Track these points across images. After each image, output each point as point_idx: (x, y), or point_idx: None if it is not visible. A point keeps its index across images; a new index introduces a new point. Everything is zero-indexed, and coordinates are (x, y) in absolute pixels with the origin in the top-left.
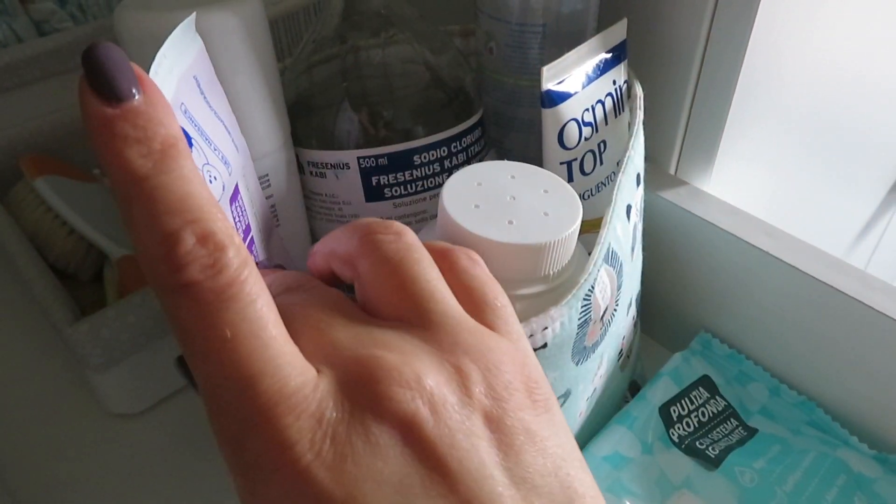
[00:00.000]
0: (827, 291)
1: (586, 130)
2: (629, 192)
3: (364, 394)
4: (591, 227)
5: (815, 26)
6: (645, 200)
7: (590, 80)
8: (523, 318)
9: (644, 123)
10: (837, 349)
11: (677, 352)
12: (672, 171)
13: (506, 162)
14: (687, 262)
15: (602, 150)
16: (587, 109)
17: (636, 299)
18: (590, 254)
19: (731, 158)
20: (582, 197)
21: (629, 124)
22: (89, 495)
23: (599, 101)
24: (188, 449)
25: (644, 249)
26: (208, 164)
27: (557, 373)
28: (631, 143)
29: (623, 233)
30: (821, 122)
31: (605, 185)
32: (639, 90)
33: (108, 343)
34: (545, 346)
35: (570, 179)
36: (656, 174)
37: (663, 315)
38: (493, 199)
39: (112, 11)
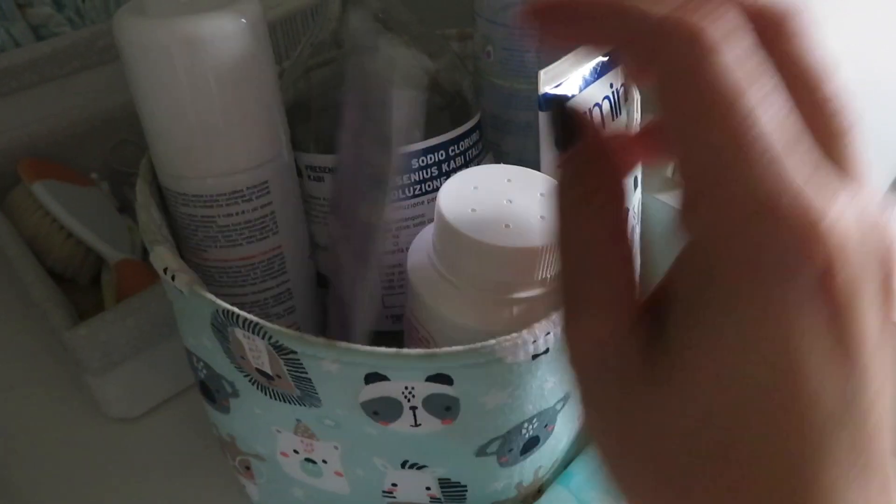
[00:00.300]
0: None
1: None
2: (627, 196)
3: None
4: None
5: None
6: (641, 203)
7: (587, 84)
8: (522, 322)
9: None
10: None
11: None
12: (668, 173)
13: (502, 165)
14: None
15: None
16: (584, 113)
17: None
18: None
19: None
20: None
21: (626, 128)
22: (87, 499)
23: (597, 104)
24: (186, 453)
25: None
26: None
27: (557, 377)
28: None
29: None
30: None
31: None
32: (636, 93)
33: (106, 347)
34: (547, 350)
35: None
36: (652, 176)
37: None
38: (490, 203)
39: (110, 16)
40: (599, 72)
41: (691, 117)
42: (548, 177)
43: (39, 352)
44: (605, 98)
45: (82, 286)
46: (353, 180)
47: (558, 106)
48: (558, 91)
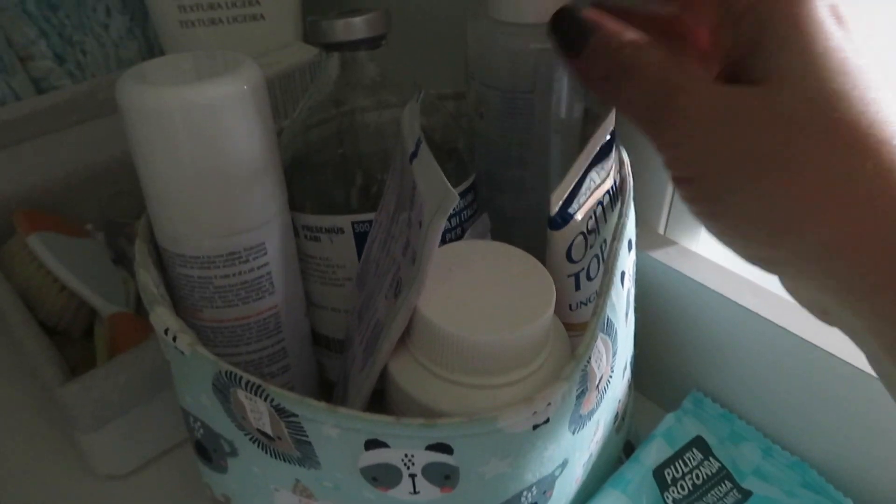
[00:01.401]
0: (814, 351)
1: (591, 238)
2: (623, 258)
3: None
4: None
5: None
6: (636, 262)
7: (593, 188)
8: (507, 403)
9: (633, 187)
10: (827, 408)
11: (669, 409)
12: (661, 231)
13: (477, 241)
14: (676, 320)
15: (603, 249)
16: (591, 217)
17: (630, 362)
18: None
19: None
20: (585, 302)
21: (620, 192)
22: None
23: (599, 202)
24: None
25: (635, 310)
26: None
27: (555, 445)
28: (624, 210)
29: (617, 300)
30: None
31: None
32: (625, 156)
33: (97, 404)
34: (547, 420)
35: (577, 288)
36: (645, 234)
37: (655, 373)
38: (466, 288)
39: (110, 69)
40: (604, 171)
41: None
42: (526, 254)
43: (28, 406)
44: (605, 193)
45: (74, 339)
46: (378, 272)
47: (562, 18)
48: (569, 211)
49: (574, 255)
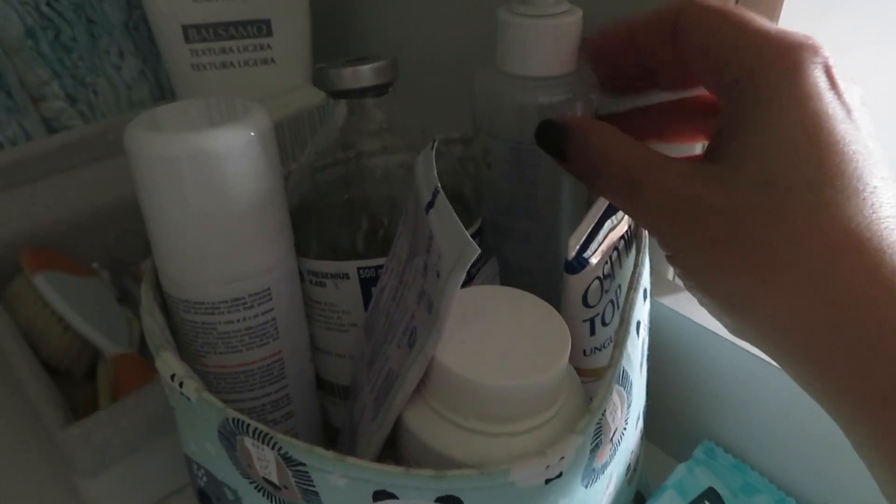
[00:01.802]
0: None
1: (606, 283)
2: (639, 308)
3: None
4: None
5: None
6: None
7: (608, 232)
8: (521, 453)
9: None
10: (843, 460)
11: (680, 458)
12: (670, 277)
13: (489, 287)
14: (687, 367)
15: (619, 294)
16: (606, 262)
17: (643, 412)
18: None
19: None
20: (599, 348)
21: (634, 237)
22: None
23: (615, 247)
24: None
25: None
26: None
27: (567, 499)
28: (640, 260)
29: (633, 351)
30: None
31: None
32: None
33: (99, 447)
34: (560, 475)
35: (591, 333)
36: (656, 281)
37: (665, 422)
38: (481, 334)
39: (122, 110)
40: (619, 216)
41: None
42: (540, 300)
43: (30, 447)
44: (620, 238)
45: (77, 379)
46: (389, 321)
47: (545, 130)
48: (585, 255)
49: (590, 300)
